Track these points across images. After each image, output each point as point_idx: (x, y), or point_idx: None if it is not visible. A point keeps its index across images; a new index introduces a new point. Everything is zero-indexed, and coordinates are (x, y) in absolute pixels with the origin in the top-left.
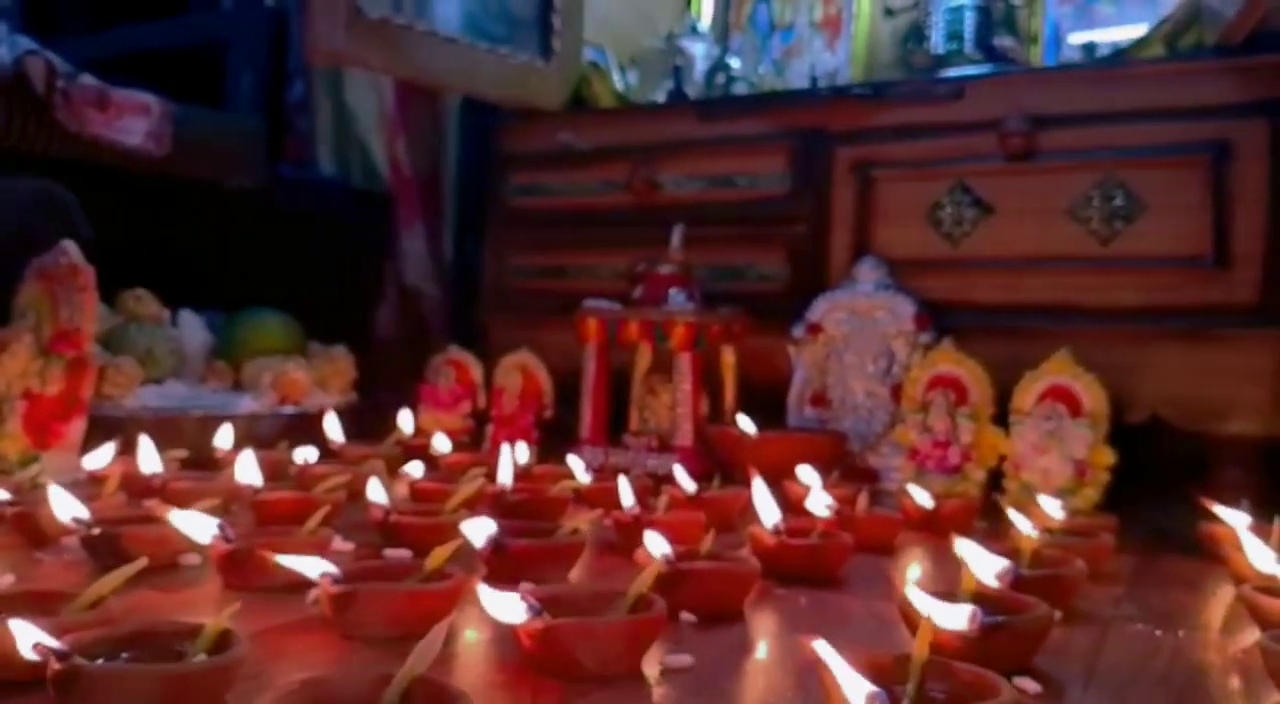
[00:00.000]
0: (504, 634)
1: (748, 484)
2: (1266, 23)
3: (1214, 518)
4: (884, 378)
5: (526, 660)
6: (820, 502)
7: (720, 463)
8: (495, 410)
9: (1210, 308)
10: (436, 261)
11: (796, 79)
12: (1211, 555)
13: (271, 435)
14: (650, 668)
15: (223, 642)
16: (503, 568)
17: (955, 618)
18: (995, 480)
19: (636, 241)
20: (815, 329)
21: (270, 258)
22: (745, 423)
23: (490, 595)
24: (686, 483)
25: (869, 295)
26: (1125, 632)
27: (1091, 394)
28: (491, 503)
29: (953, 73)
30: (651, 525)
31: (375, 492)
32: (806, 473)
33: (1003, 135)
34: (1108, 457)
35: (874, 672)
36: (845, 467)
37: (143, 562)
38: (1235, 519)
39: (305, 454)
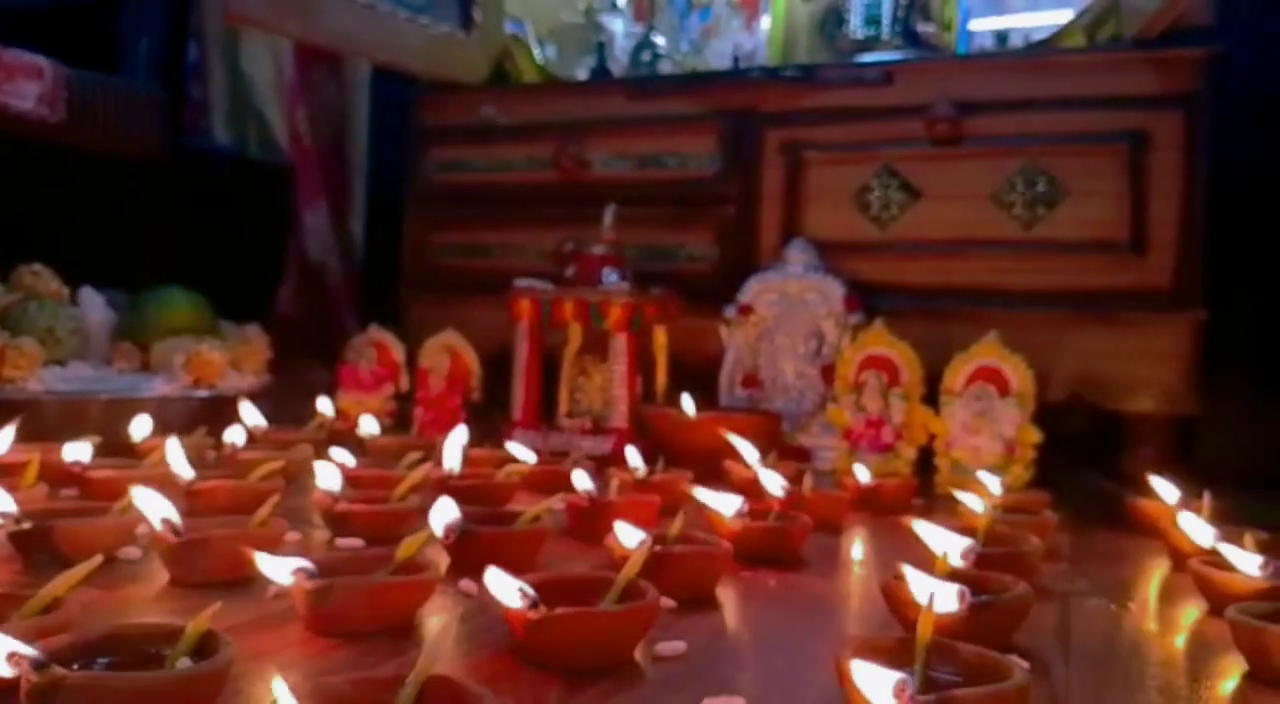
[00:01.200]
0: (487, 625)
1: (689, 465)
2: (1183, 18)
3: (1139, 492)
4: (814, 359)
5: (519, 651)
6: (774, 482)
7: (656, 445)
8: (420, 392)
9: (1126, 292)
10: (341, 237)
11: (715, 59)
12: (1140, 529)
13: (184, 420)
14: (642, 656)
15: (206, 644)
16: (467, 556)
17: (944, 597)
18: (925, 458)
19: (564, 220)
20: (746, 310)
21: (170, 233)
22: (686, 404)
23: (499, 581)
24: (637, 464)
25: (799, 277)
26: (1085, 607)
27: (1019, 375)
28: (438, 489)
29: (875, 58)
30: (608, 510)
31: (326, 478)
32: (748, 452)
33: (929, 121)
34: (1034, 435)
35: (877, 655)
36: (778, 447)
37: (98, 559)
38: (1167, 494)
39: (234, 439)
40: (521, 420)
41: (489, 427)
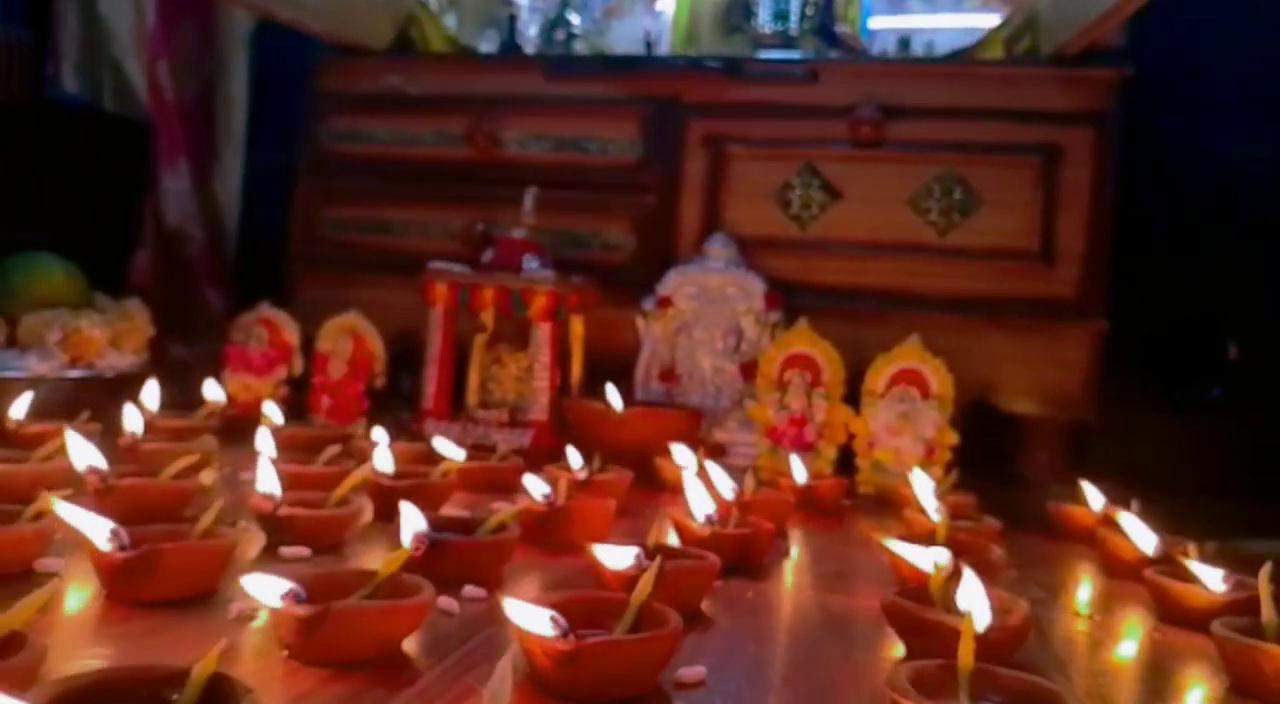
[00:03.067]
0: (483, 651)
1: (613, 460)
2: (1098, 39)
3: (1037, 494)
4: (732, 355)
5: (540, 682)
6: (724, 485)
7: (576, 438)
8: (319, 377)
9: (1034, 300)
10: (205, 203)
11: (619, 42)
12: (1061, 533)
13: (61, 403)
14: (664, 682)
15: (218, 689)
16: (435, 569)
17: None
18: (843, 457)
19: (474, 200)
20: (665, 303)
21: (16, 190)
22: (613, 397)
23: (519, 611)
24: (578, 465)
25: (720, 272)
26: (1052, 618)
27: (939, 378)
28: (373, 492)
29: (786, 55)
30: (564, 516)
31: (266, 479)
32: (680, 451)
33: (854, 122)
34: (952, 437)
35: (923, 685)
36: (698, 443)
37: (56, 584)
38: (1093, 500)
39: (134, 427)
40: (433, 411)
41: (395, 416)
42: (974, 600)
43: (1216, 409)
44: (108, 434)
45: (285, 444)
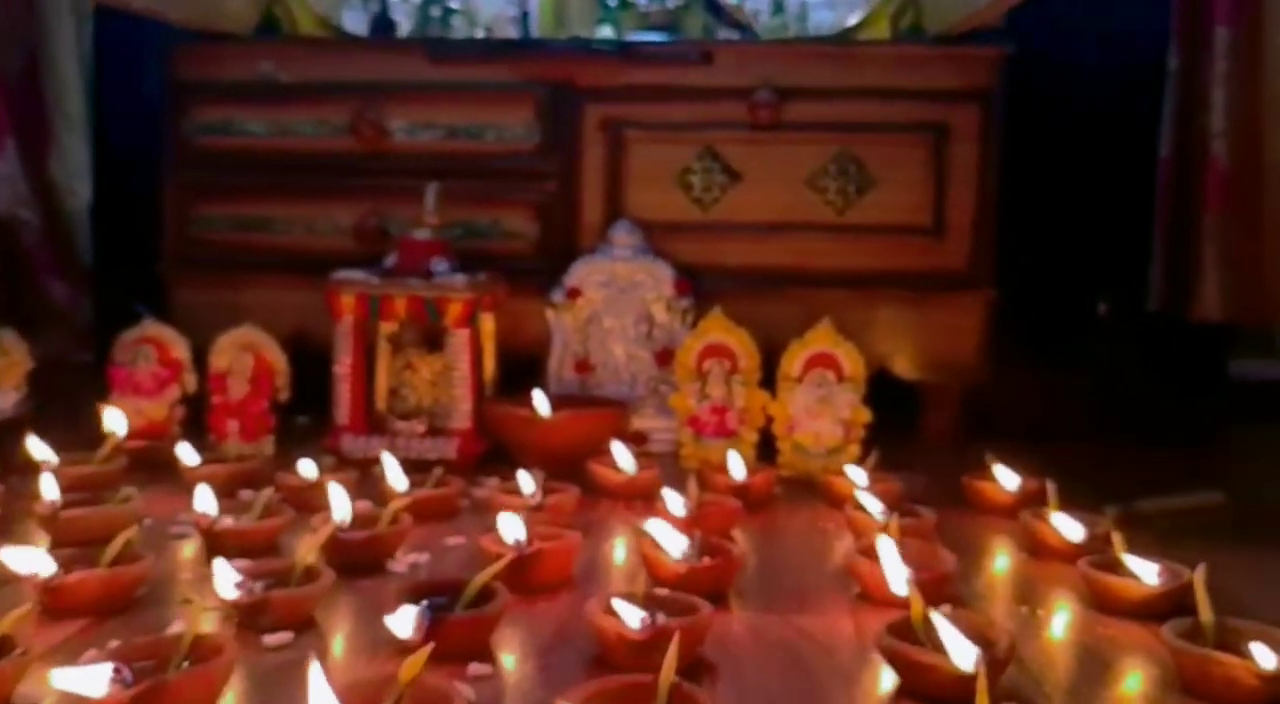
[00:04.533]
0: None
1: (540, 465)
2: (982, 19)
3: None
4: (645, 342)
5: None
6: (676, 502)
7: (501, 444)
8: (219, 397)
9: (929, 273)
10: (40, 187)
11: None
12: (977, 507)
13: None
14: None
15: None
16: (438, 650)
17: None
18: (761, 438)
19: (363, 193)
20: (574, 294)
21: None
22: (540, 402)
23: None
24: (529, 489)
25: (628, 260)
26: (1004, 610)
27: (852, 360)
28: (330, 548)
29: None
30: (537, 559)
31: (226, 579)
32: (620, 453)
33: (752, 106)
34: (866, 415)
35: None
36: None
37: None
38: (1008, 480)
39: (49, 492)
40: (349, 425)
41: (305, 431)
42: (957, 645)
43: (1087, 362)
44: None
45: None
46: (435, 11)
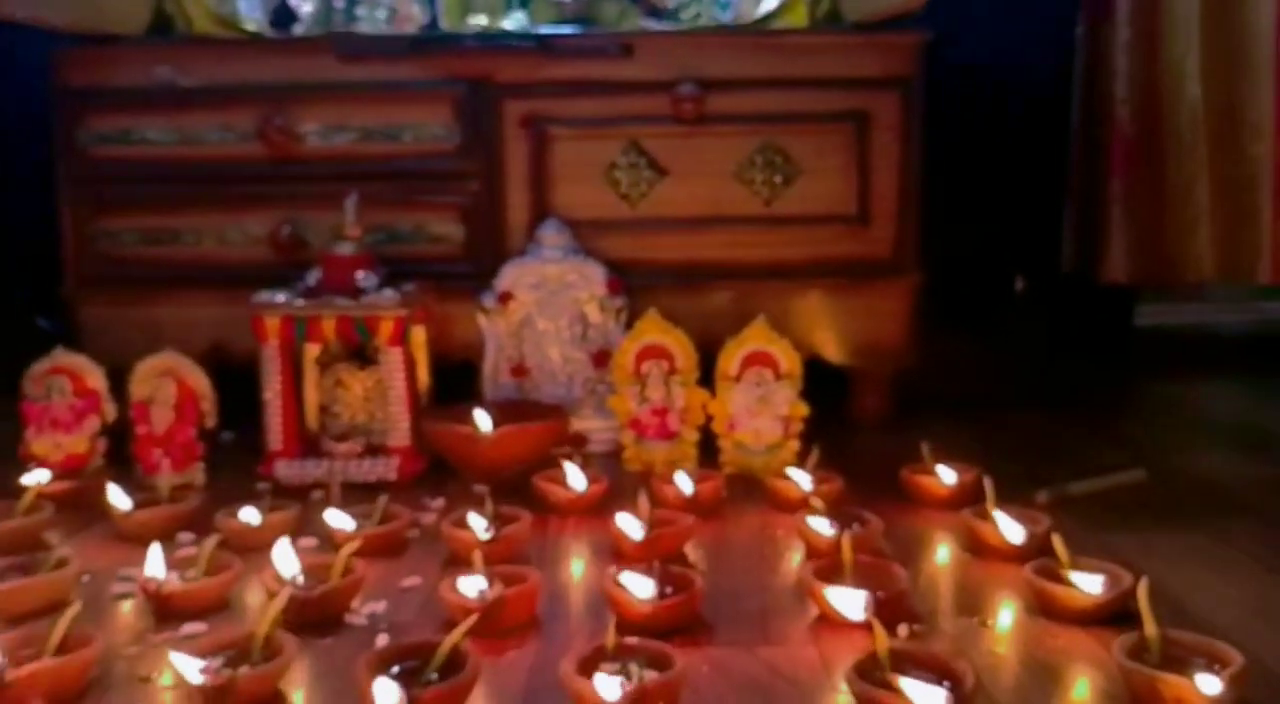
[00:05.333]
0: None
1: (482, 481)
2: (903, 9)
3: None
4: (580, 342)
5: None
6: (633, 527)
7: (441, 458)
8: (143, 428)
9: (855, 260)
10: None
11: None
12: (914, 499)
13: None
14: None
15: None
16: None
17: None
18: (703, 436)
19: (276, 200)
20: (506, 298)
21: None
22: (481, 420)
23: None
24: (481, 527)
25: (558, 261)
26: (957, 629)
27: (787, 357)
28: (286, 609)
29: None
30: (499, 607)
31: (187, 666)
32: (574, 475)
33: (675, 100)
34: (803, 410)
35: None
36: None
37: None
38: (946, 476)
39: None
40: (283, 450)
41: (233, 449)
42: (924, 694)
43: (1007, 332)
44: None
45: (138, 533)
46: (339, 2)
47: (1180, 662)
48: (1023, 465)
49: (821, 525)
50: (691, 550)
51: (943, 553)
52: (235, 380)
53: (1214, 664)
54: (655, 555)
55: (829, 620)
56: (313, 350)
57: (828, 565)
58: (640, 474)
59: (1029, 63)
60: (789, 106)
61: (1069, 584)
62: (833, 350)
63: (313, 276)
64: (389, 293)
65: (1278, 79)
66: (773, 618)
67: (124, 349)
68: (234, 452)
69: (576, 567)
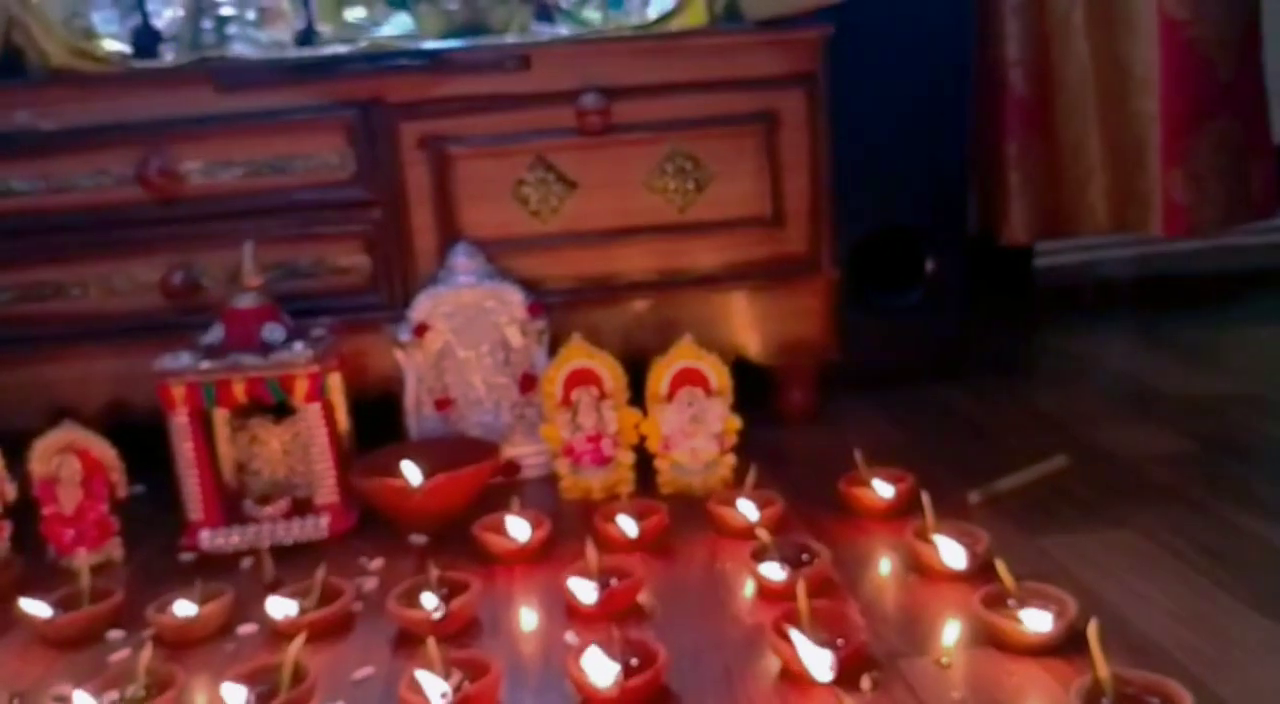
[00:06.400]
0: None
1: (417, 531)
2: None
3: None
4: (503, 368)
5: None
6: (587, 592)
7: (372, 511)
8: (49, 508)
9: (773, 261)
10: None
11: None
12: (855, 513)
13: None
14: None
15: None
16: None
17: None
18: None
19: (164, 245)
20: (422, 330)
21: None
22: (410, 473)
23: None
24: (432, 606)
25: (473, 287)
26: (917, 671)
27: (717, 372)
28: None
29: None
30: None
31: None
32: (516, 525)
33: (579, 112)
34: (737, 423)
35: None
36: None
37: None
38: (883, 490)
39: None
40: (205, 519)
41: (145, 505)
42: None
43: (917, 311)
44: None
45: (58, 640)
46: (207, 23)
47: (1135, 701)
48: (949, 451)
49: (773, 570)
50: (645, 597)
51: (889, 577)
52: (139, 430)
53: None
54: (609, 613)
55: (792, 674)
56: (224, 414)
57: (787, 616)
58: (579, 503)
59: (931, 34)
60: (696, 111)
61: (1019, 620)
62: (757, 351)
63: (214, 334)
64: (299, 346)
65: (1162, 34)
66: (737, 679)
67: (17, 415)
68: (148, 510)
69: (533, 636)
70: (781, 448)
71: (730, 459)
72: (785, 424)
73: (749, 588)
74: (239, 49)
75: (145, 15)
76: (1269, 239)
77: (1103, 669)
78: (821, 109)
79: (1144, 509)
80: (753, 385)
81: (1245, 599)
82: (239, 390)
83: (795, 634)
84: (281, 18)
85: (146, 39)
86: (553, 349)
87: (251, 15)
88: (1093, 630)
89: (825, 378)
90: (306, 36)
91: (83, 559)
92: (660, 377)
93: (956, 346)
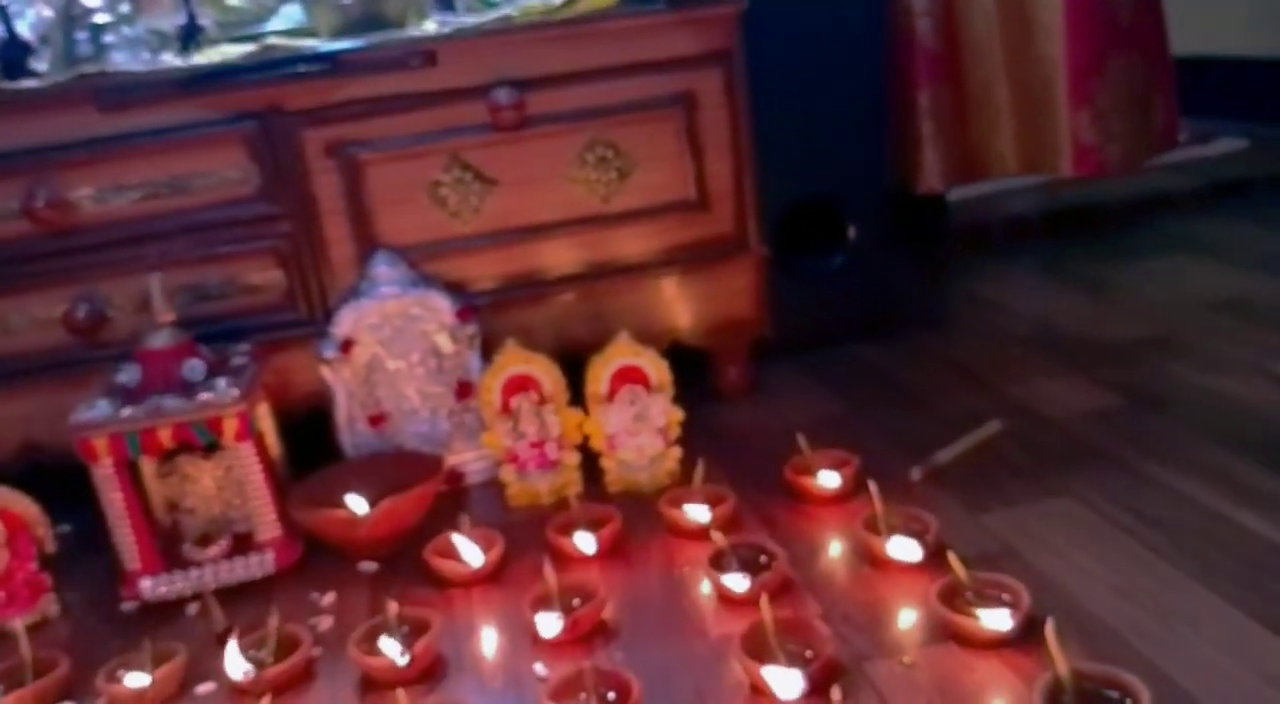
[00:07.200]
0: None
1: (365, 557)
2: None
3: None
4: (437, 376)
5: None
6: (550, 626)
7: (316, 541)
8: None
9: (700, 244)
10: None
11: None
12: (801, 498)
13: None
14: None
15: None
16: None
17: None
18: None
19: (60, 278)
20: (348, 345)
21: None
22: (354, 503)
23: None
24: (398, 653)
25: (397, 297)
26: (882, 674)
27: (655, 367)
28: None
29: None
30: None
31: None
32: (468, 550)
33: (492, 108)
34: (679, 415)
35: None
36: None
37: None
38: (830, 480)
39: None
40: (143, 568)
41: (85, 565)
42: None
43: (842, 275)
44: None
45: None
46: (81, 33)
47: (1095, 696)
48: (886, 419)
49: (734, 580)
50: (609, 612)
51: (846, 573)
52: (59, 473)
53: (1125, 699)
54: (576, 638)
55: (763, 691)
56: (150, 461)
57: (753, 636)
58: (528, 509)
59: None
60: (612, 97)
61: (977, 617)
62: (692, 334)
63: (130, 375)
64: (223, 384)
65: None
66: (710, 699)
67: None
68: (76, 551)
69: (501, 670)
70: (723, 428)
71: (676, 451)
72: (723, 401)
73: (710, 592)
74: (119, 60)
75: (10, 28)
76: (1164, 161)
77: (1062, 666)
78: (740, 87)
79: (1079, 474)
80: (687, 363)
81: (1186, 569)
82: (165, 436)
83: (765, 671)
84: (157, 4)
85: (14, 53)
86: (485, 351)
87: (125, 8)
88: (1050, 630)
89: (757, 346)
90: (189, 31)
91: (18, 622)
92: (599, 376)
93: (881, 306)
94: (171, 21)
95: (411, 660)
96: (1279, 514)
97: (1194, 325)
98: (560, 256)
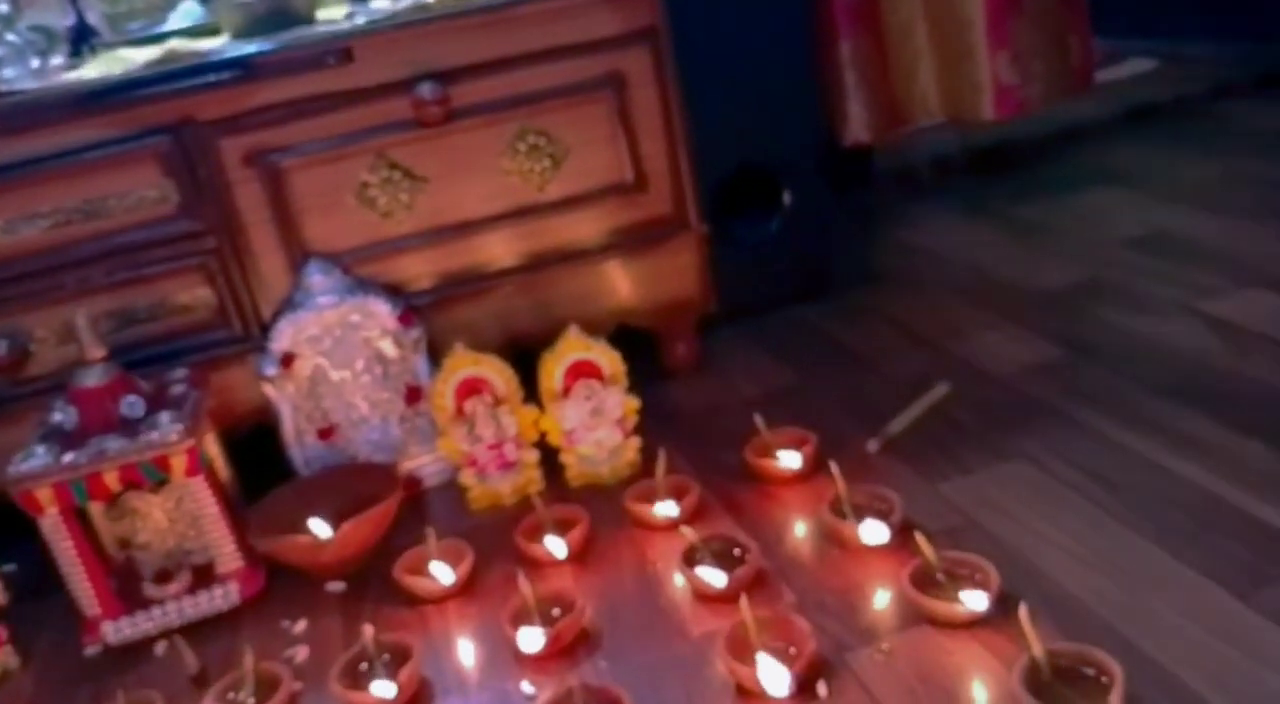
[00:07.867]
0: None
1: (332, 578)
2: None
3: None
4: (384, 382)
5: None
6: (535, 640)
7: (280, 566)
8: None
9: (640, 225)
10: None
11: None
12: (761, 479)
13: None
14: None
15: None
16: None
17: None
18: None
19: None
20: (289, 360)
21: None
22: (317, 527)
23: None
24: (383, 690)
25: (335, 307)
26: (861, 663)
27: (609, 359)
28: None
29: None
30: None
31: None
32: (438, 568)
33: (416, 103)
34: (635, 404)
35: None
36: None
37: None
38: (790, 461)
39: None
40: (105, 612)
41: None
42: None
43: (779, 240)
44: None
45: None
46: None
47: (1071, 673)
48: (836, 388)
49: (710, 576)
50: (588, 621)
51: (816, 560)
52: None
53: (1100, 676)
54: (559, 651)
55: (750, 691)
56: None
57: (736, 636)
58: (491, 511)
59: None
60: (539, 83)
61: (950, 601)
62: (637, 316)
63: (66, 417)
64: (166, 419)
65: None
66: (698, 699)
67: None
68: (28, 593)
69: (488, 691)
70: (677, 409)
71: (635, 441)
72: (673, 378)
73: (685, 587)
74: (9, 76)
75: None
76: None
77: (1038, 649)
78: (668, 64)
79: (1029, 434)
80: (634, 343)
81: (1144, 532)
82: (111, 480)
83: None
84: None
85: None
86: (431, 352)
87: (4, 8)
88: (1024, 614)
89: (702, 321)
90: (79, 34)
91: None
92: (552, 373)
93: (819, 267)
94: (56, 18)
95: (398, 693)
96: (1217, 463)
97: (1120, 266)
98: (499, 249)
